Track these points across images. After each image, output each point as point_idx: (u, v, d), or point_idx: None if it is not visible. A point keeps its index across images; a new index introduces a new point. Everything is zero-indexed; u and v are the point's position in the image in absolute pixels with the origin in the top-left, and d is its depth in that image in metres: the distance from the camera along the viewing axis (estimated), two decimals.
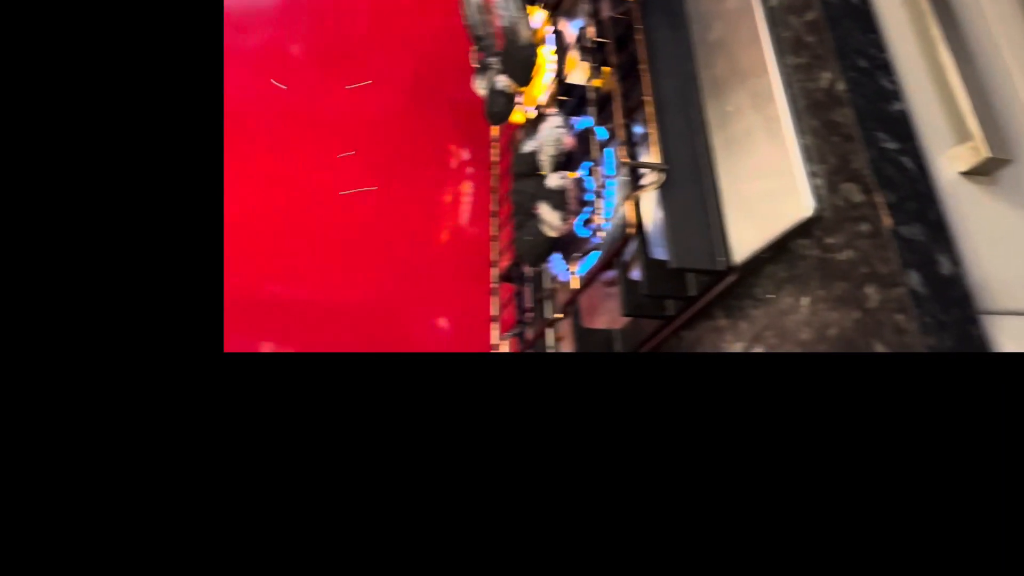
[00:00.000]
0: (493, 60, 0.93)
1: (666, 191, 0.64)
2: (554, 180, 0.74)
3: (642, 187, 0.64)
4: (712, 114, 0.68)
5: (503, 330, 0.88)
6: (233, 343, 0.89)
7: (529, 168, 0.78)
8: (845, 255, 0.53)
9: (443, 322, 1.02)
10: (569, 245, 0.80)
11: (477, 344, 0.94)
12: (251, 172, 0.99)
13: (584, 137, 0.79)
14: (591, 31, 0.80)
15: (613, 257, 0.67)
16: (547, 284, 0.90)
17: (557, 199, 0.73)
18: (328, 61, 1.11)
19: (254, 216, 0.97)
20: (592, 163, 0.74)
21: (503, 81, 0.92)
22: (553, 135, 0.76)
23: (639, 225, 0.62)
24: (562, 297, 0.87)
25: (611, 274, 0.78)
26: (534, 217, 0.77)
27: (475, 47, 0.94)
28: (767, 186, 0.60)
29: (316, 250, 0.99)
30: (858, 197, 0.53)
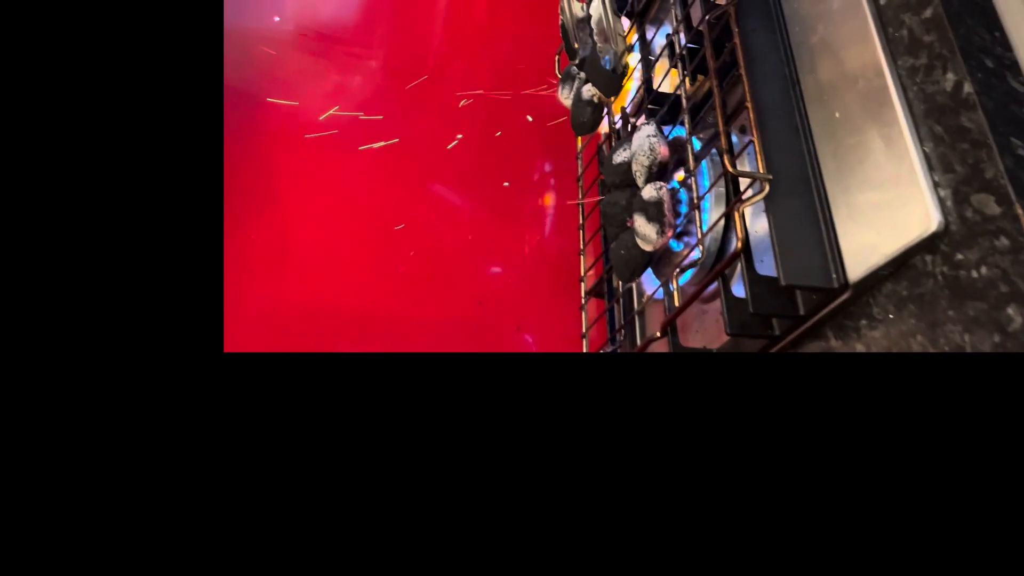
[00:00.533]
0: (578, 70, 0.90)
1: (771, 203, 0.61)
2: (649, 191, 0.70)
3: (746, 199, 0.60)
4: (817, 121, 0.65)
5: (592, 348, 0.85)
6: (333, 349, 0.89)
7: (622, 179, 0.75)
8: (979, 273, 0.49)
9: (529, 339, 1.00)
10: (663, 259, 0.76)
11: None
12: (339, 191, 0.99)
13: (677, 147, 0.76)
14: (682, 37, 0.77)
15: (717, 274, 0.63)
16: (639, 300, 0.87)
17: (653, 211, 0.69)
18: (404, 74, 1.10)
19: (348, 235, 0.97)
20: (687, 174, 0.71)
21: (589, 91, 0.89)
22: (647, 144, 0.73)
23: (746, 239, 0.59)
24: (654, 314, 0.84)
25: (707, 291, 0.75)
26: (628, 230, 0.74)
27: (563, 51, 0.92)
28: (884, 197, 0.56)
29: (404, 265, 0.98)
30: (993, 209, 0.49)
